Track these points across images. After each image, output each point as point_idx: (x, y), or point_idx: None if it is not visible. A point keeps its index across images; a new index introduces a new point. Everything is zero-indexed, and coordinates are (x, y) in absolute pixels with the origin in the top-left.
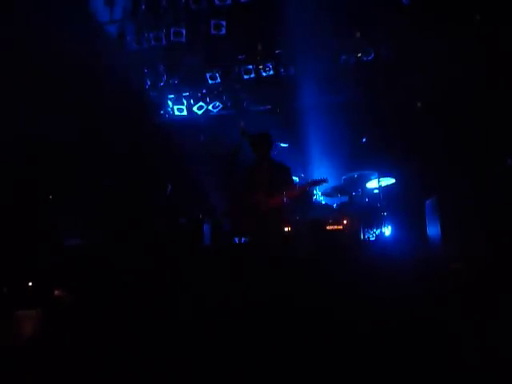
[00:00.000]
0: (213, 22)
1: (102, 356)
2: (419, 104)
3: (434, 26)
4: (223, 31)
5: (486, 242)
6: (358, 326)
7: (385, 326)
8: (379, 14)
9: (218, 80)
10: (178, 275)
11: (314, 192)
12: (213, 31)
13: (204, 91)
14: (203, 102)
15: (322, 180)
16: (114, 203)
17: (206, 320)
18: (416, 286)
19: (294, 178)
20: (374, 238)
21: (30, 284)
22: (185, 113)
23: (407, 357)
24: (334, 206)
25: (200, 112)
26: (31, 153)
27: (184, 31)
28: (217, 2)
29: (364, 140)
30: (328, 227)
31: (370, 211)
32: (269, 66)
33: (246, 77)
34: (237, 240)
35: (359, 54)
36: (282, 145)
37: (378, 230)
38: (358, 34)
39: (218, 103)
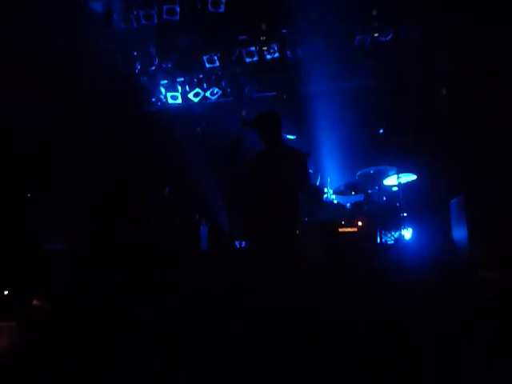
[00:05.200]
0: None
1: (83, 373)
2: (444, 91)
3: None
4: (222, 8)
5: None
6: (375, 340)
7: (406, 341)
8: None
9: (217, 63)
10: (170, 286)
11: (325, 190)
12: (210, 8)
13: (201, 76)
14: (200, 88)
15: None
16: (100, 202)
17: (202, 336)
18: (440, 296)
19: None
20: (392, 242)
21: (6, 293)
22: (179, 100)
23: (432, 372)
24: (348, 205)
25: (196, 99)
26: (5, 145)
27: (178, 8)
28: None
29: (381, 131)
30: (340, 229)
31: (387, 211)
32: (274, 48)
33: (247, 60)
34: (237, 244)
35: (376, 34)
36: (289, 137)
37: (397, 233)
38: (375, 12)
39: (216, 90)
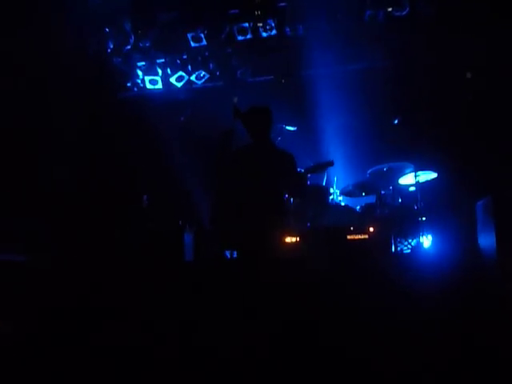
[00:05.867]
0: None
1: None
2: (469, 75)
3: None
4: None
5: None
6: (388, 365)
7: (423, 364)
8: None
9: (204, 42)
10: (148, 304)
11: (331, 190)
12: None
13: (185, 57)
14: (184, 71)
15: (326, 163)
16: (66, 207)
17: (187, 368)
18: (465, 312)
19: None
20: (409, 251)
21: None
22: (159, 85)
23: None
24: (357, 208)
25: (179, 84)
26: None
27: None
28: None
29: (396, 121)
30: (349, 236)
31: (403, 215)
32: (270, 24)
33: (240, 38)
34: (228, 254)
35: (390, 9)
36: (288, 128)
37: (415, 241)
38: None
39: (203, 73)
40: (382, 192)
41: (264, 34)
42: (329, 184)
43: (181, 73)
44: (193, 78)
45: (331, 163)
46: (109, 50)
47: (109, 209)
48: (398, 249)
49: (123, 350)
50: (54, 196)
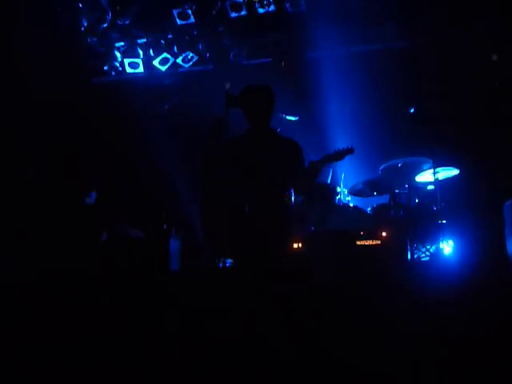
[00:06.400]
0: None
1: None
2: (495, 57)
3: None
4: None
5: None
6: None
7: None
8: None
9: (192, 20)
10: (125, 322)
11: (338, 189)
12: None
13: (170, 37)
14: (169, 52)
15: (345, 151)
16: (36, 208)
17: None
18: (491, 327)
19: None
20: (427, 259)
21: None
22: (141, 69)
23: None
24: (368, 210)
25: (164, 68)
26: None
27: None
28: None
29: (412, 111)
30: (359, 242)
31: (421, 218)
32: None
33: (233, 15)
34: (221, 263)
35: None
36: (289, 118)
37: (434, 247)
38: None
39: (190, 54)
40: (397, 191)
41: (261, 11)
42: (335, 182)
43: (165, 55)
44: (179, 60)
45: (351, 150)
46: (82, 29)
47: (84, 211)
48: (415, 256)
49: (104, 370)
50: (13, 194)
